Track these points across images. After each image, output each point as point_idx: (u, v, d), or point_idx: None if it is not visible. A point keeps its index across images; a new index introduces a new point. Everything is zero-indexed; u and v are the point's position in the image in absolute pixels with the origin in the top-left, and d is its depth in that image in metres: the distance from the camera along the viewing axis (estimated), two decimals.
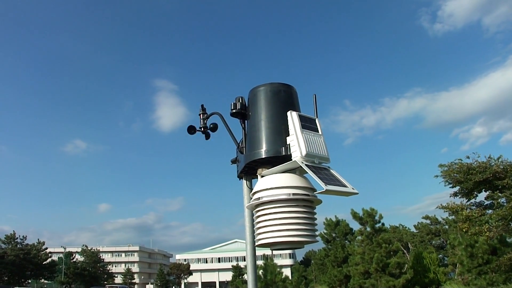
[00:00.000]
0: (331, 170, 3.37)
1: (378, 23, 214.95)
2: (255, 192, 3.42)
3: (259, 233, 3.35)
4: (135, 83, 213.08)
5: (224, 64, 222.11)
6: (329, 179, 3.18)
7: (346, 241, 54.62)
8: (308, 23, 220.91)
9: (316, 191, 3.34)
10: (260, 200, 3.32)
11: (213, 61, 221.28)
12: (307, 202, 3.34)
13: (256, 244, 3.48)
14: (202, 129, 4.24)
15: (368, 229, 38.44)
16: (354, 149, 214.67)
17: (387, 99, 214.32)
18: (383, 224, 39.19)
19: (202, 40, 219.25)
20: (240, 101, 3.81)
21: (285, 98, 3.65)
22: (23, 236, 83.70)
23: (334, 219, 58.25)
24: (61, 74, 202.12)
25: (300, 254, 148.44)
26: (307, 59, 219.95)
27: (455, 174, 29.72)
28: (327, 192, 3.04)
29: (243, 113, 3.81)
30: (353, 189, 3.24)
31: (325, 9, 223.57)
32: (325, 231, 52.85)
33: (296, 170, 3.42)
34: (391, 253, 37.64)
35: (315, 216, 3.43)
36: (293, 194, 3.25)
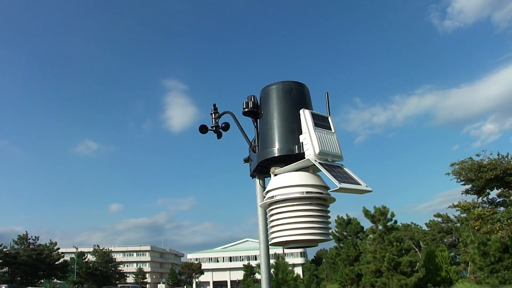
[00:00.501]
0: (344, 168, 3.36)
1: (388, 20, 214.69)
2: (268, 191, 3.41)
3: (273, 232, 3.34)
4: (145, 83, 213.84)
5: (234, 64, 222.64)
6: (343, 177, 3.16)
7: (358, 240, 54.46)
8: (317, 21, 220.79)
9: (329, 189, 3.33)
10: (274, 198, 3.31)
11: (223, 60, 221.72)
12: (320, 200, 3.32)
13: (270, 243, 3.47)
14: (214, 129, 4.24)
15: (380, 227, 38.31)
16: (365, 148, 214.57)
17: (397, 96, 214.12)
18: (395, 222, 39.03)
19: (212, 40, 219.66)
20: (252, 99, 3.80)
21: (297, 96, 3.63)
22: (35, 237, 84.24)
23: (345, 218, 58.22)
24: (71, 75, 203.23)
25: (311, 253, 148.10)
26: (316, 57, 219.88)
27: (466, 173, 29.64)
28: (341, 190, 3.02)
29: (255, 111, 3.80)
30: (366, 186, 3.22)
31: (334, 7, 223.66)
32: (336, 230, 52.75)
33: (309, 168, 3.40)
34: (403, 251, 37.50)
35: (329, 214, 3.42)
36: (307, 192, 3.24)
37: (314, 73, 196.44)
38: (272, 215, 3.37)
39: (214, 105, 4.30)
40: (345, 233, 57.01)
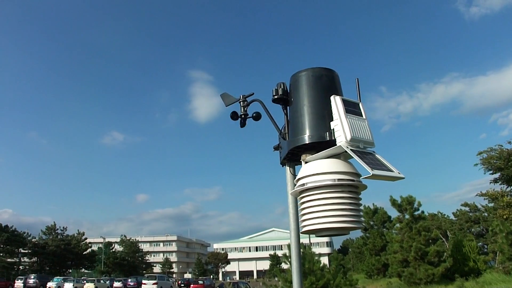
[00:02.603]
0: (376, 155, 3.31)
1: (414, 7, 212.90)
2: (299, 179, 3.37)
3: (304, 220, 3.31)
4: (171, 74, 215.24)
5: (259, 53, 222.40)
6: (375, 163, 3.11)
7: (384, 229, 54.38)
8: (344, 9, 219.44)
9: (361, 176, 3.29)
10: (305, 186, 3.27)
11: (249, 50, 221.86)
12: (352, 187, 3.28)
13: (301, 231, 3.43)
14: (243, 117, 4.21)
15: (407, 216, 38.12)
16: (391, 136, 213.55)
17: (423, 85, 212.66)
18: (422, 211, 38.81)
19: (237, 29, 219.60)
20: (282, 86, 3.77)
21: (327, 83, 3.59)
22: (63, 227, 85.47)
23: (372, 207, 58.07)
24: (98, 66, 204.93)
25: (338, 242, 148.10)
26: (343, 45, 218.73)
27: (495, 161, 29.31)
28: (374, 177, 2.98)
29: (285, 99, 3.76)
30: (399, 173, 3.16)
31: None
32: (363, 219, 52.60)
33: (341, 155, 3.35)
34: (430, 241, 37.28)
35: (360, 202, 3.38)
36: (338, 179, 3.20)
37: (340, 61, 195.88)
38: (303, 202, 3.33)
39: (252, 93, 4.26)
40: (371, 223, 56.95)
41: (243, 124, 4.22)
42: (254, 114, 4.15)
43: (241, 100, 4.22)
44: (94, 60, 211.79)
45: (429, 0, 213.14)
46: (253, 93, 4.19)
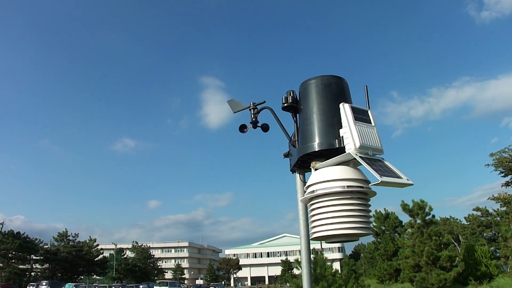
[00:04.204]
0: (385, 162, 3.35)
1: (424, 12, 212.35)
2: (309, 186, 3.42)
3: (314, 226, 3.35)
4: (182, 80, 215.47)
5: (270, 60, 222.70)
6: (384, 170, 3.15)
7: (396, 234, 54.15)
8: (353, 13, 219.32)
9: (370, 183, 3.33)
10: (315, 193, 3.32)
11: (260, 57, 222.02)
12: (361, 194, 3.32)
13: (311, 237, 3.47)
14: (253, 123, 4.24)
15: (419, 221, 37.99)
16: (402, 141, 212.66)
17: (434, 89, 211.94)
18: (433, 216, 38.66)
19: (247, 36, 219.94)
20: (292, 94, 3.81)
21: (336, 90, 3.63)
22: (75, 234, 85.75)
23: (383, 212, 57.85)
24: (109, 72, 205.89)
25: (349, 247, 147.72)
26: (353, 51, 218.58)
27: (507, 162, 29.20)
28: (383, 183, 3.02)
29: (294, 106, 3.80)
30: (408, 180, 3.20)
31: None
32: (374, 224, 52.41)
33: (350, 162, 3.40)
34: (442, 245, 37.14)
35: (369, 208, 3.41)
36: (348, 186, 3.24)
37: (350, 67, 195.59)
38: (313, 209, 3.38)
39: (263, 101, 4.29)
40: (383, 228, 56.74)
41: (254, 126, 4.25)
42: (263, 125, 4.19)
43: (251, 108, 4.26)
44: (105, 67, 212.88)
45: (440, 5, 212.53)
46: (264, 101, 4.23)
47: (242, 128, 4.22)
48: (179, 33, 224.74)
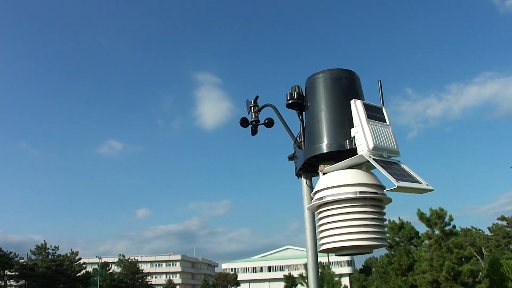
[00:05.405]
0: (401, 165, 3.31)
1: (442, 1, 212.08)
2: (317, 191, 3.38)
3: (323, 237, 3.31)
4: (175, 77, 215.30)
5: (272, 54, 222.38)
6: (400, 174, 3.11)
7: (412, 246, 54.11)
8: (364, 4, 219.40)
9: (385, 189, 3.29)
10: (323, 200, 3.28)
11: (260, 50, 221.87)
12: (375, 201, 3.28)
13: (319, 249, 3.44)
14: (254, 124, 4.22)
15: (437, 232, 37.89)
16: (418, 143, 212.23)
17: (453, 85, 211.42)
18: (453, 226, 38.56)
19: (246, 28, 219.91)
20: (297, 90, 3.78)
21: (347, 86, 3.59)
22: (54, 246, 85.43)
23: (397, 222, 57.86)
24: (94, 68, 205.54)
25: (360, 261, 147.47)
26: (364, 44, 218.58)
27: None
28: (399, 189, 2.97)
29: (300, 103, 3.77)
30: (427, 185, 3.17)
31: None
32: (388, 235, 52.34)
33: (362, 166, 3.36)
34: (463, 259, 37.08)
35: (384, 216, 3.38)
36: (360, 192, 3.20)
37: (361, 61, 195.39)
38: (321, 218, 3.34)
39: (257, 97, 4.28)
40: (397, 239, 56.61)
41: (254, 132, 4.23)
42: (266, 121, 4.17)
43: (251, 105, 4.23)
44: (90, 63, 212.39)
45: None
46: (257, 97, 4.21)
47: (244, 122, 4.19)
48: (170, 27, 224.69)
